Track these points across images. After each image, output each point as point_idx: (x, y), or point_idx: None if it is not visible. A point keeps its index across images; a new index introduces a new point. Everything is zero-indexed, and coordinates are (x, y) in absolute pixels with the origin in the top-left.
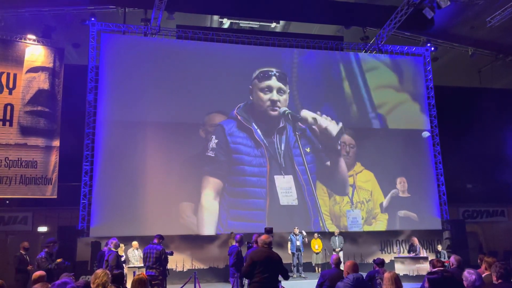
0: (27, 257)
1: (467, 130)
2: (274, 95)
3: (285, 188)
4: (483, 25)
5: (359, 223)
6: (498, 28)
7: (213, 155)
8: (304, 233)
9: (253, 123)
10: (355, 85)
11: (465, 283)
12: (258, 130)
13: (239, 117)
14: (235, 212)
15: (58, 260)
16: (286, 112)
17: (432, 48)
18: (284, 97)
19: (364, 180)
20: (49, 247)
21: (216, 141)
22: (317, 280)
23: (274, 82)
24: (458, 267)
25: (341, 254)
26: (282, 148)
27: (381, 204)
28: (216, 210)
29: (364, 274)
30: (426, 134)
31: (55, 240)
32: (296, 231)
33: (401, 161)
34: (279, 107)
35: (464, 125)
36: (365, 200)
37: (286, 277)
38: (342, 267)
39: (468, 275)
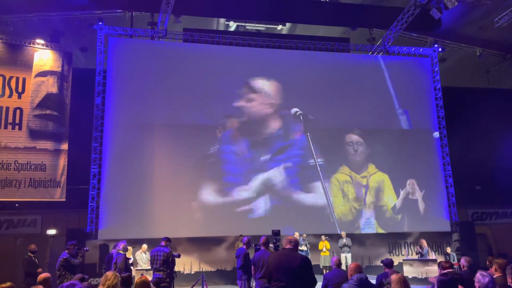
0: (36, 260)
1: (475, 131)
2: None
3: (300, 189)
4: (491, 26)
5: (372, 224)
6: (506, 28)
7: (225, 160)
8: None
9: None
10: (377, 86)
11: (477, 285)
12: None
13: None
14: (251, 215)
15: (80, 255)
16: (298, 113)
17: (440, 49)
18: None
19: (377, 181)
20: (69, 249)
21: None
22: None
23: (263, 83)
24: (468, 269)
25: (349, 256)
26: (294, 152)
27: (393, 207)
28: (230, 213)
29: (369, 276)
30: (436, 134)
31: (76, 243)
32: (304, 235)
33: (410, 162)
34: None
35: (472, 126)
36: (378, 201)
37: (310, 286)
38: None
39: (481, 277)
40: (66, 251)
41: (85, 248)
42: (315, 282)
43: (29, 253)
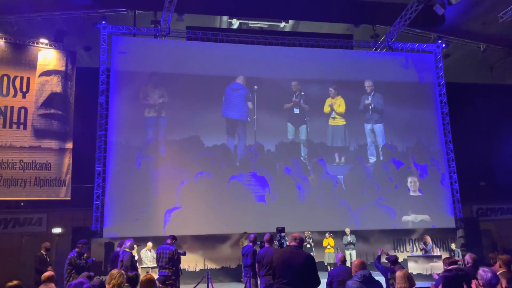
0: (48, 258)
1: (479, 127)
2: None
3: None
4: (495, 21)
5: None
6: (510, 24)
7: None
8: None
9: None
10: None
11: (480, 282)
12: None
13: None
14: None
15: (85, 255)
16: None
17: (443, 45)
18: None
19: None
20: (79, 248)
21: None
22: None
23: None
24: (473, 265)
25: (353, 253)
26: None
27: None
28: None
29: (373, 272)
30: None
31: (86, 242)
32: (307, 233)
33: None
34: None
35: (476, 122)
36: None
37: (312, 285)
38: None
39: (484, 273)
40: (76, 249)
41: (89, 260)
42: (318, 281)
43: (42, 251)
